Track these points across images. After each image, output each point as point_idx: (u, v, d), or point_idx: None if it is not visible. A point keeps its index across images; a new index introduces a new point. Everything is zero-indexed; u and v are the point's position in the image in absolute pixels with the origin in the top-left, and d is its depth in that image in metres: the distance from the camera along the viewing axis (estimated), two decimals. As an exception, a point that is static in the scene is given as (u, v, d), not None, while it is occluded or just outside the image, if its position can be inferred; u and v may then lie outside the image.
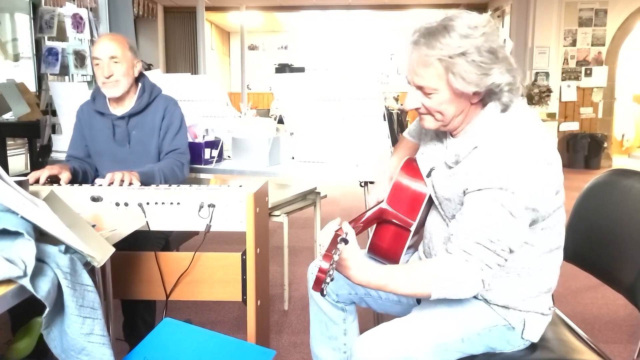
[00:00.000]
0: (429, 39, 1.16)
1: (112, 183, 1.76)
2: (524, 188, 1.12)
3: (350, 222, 1.27)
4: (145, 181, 1.86)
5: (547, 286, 1.30)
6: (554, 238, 1.27)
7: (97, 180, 1.80)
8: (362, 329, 1.33)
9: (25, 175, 1.75)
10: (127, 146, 2.14)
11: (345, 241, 1.08)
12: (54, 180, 1.88)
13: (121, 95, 2.10)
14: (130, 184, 1.77)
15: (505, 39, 8.43)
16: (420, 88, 1.22)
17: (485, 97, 1.21)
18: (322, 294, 1.05)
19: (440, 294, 1.14)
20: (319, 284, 1.04)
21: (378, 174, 1.56)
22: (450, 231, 1.20)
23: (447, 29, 1.15)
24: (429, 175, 1.34)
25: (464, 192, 1.20)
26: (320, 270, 1.03)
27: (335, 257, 1.04)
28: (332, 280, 1.05)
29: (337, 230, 1.12)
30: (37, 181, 1.83)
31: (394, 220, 1.36)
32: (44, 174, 1.85)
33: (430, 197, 1.35)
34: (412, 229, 1.34)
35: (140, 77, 2.17)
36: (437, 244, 1.34)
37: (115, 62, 2.05)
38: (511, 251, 1.15)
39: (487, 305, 1.29)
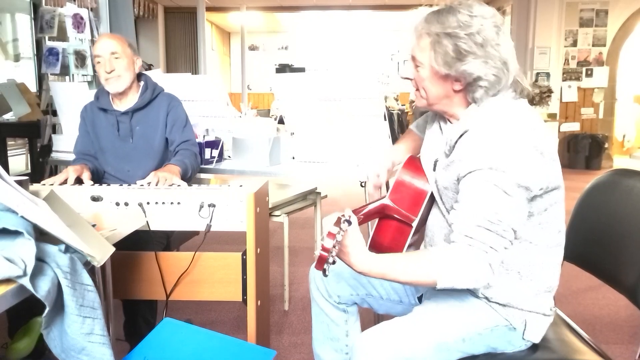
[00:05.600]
0: (432, 15, 1.22)
1: (155, 183, 1.80)
2: (513, 166, 1.13)
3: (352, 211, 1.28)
4: (184, 175, 1.99)
5: (548, 285, 1.30)
6: (552, 235, 1.27)
7: (139, 182, 1.81)
8: (364, 330, 1.33)
9: (26, 175, 1.75)
10: (130, 142, 2.15)
11: (349, 222, 1.07)
12: (78, 181, 1.90)
13: (124, 91, 2.13)
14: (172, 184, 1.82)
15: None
16: (413, 59, 1.27)
17: (466, 88, 1.23)
18: (325, 274, 1.05)
19: (446, 282, 1.11)
20: (321, 263, 1.04)
21: (381, 155, 1.56)
22: (450, 220, 1.20)
23: (450, 10, 1.20)
24: (434, 168, 1.34)
25: (458, 178, 1.21)
26: (323, 248, 1.03)
27: (339, 237, 1.04)
28: (334, 262, 1.04)
29: (339, 215, 1.12)
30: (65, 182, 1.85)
31: (395, 216, 1.36)
32: (71, 175, 1.87)
33: (432, 194, 1.35)
34: (414, 224, 1.34)
35: (141, 75, 2.22)
36: (439, 242, 1.34)
37: (116, 58, 2.08)
38: (515, 232, 1.14)
39: (488, 305, 1.28)
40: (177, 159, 2.08)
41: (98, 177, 2.15)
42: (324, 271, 1.04)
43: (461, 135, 1.23)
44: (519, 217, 1.15)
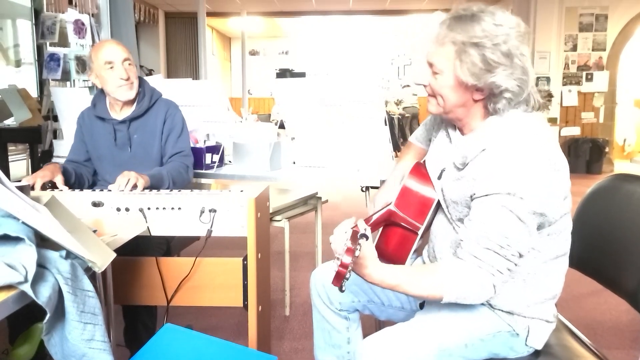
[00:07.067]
0: (454, 21, 1.19)
1: (123, 188, 1.75)
2: (532, 193, 1.12)
3: None
4: (155, 184, 1.87)
5: (552, 293, 1.30)
6: (560, 244, 1.27)
7: (110, 186, 1.79)
8: (366, 337, 1.32)
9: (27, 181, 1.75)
10: (128, 150, 2.14)
11: (366, 237, 1.09)
12: (53, 185, 1.87)
13: (133, 98, 2.11)
14: (135, 186, 1.76)
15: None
16: (431, 65, 1.24)
17: (488, 97, 1.21)
18: (341, 290, 1.05)
19: (451, 297, 1.15)
20: (339, 279, 1.03)
21: (387, 177, 1.56)
22: (460, 237, 1.20)
23: (474, 18, 1.17)
24: (440, 177, 1.33)
25: (472, 196, 1.20)
26: (342, 264, 1.03)
27: (357, 253, 1.04)
28: (349, 277, 1.05)
29: (353, 227, 1.11)
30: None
31: (401, 223, 1.36)
32: (37, 182, 1.83)
33: (438, 201, 1.35)
34: (420, 232, 1.34)
35: (139, 82, 2.18)
36: (442, 248, 1.34)
37: (129, 65, 2.07)
38: (520, 255, 1.16)
39: (491, 311, 1.28)
40: (157, 169, 2.01)
41: (84, 182, 2.13)
42: (341, 287, 1.04)
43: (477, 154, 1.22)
44: (528, 243, 1.16)
